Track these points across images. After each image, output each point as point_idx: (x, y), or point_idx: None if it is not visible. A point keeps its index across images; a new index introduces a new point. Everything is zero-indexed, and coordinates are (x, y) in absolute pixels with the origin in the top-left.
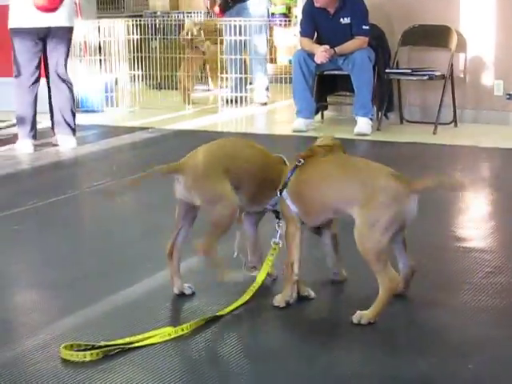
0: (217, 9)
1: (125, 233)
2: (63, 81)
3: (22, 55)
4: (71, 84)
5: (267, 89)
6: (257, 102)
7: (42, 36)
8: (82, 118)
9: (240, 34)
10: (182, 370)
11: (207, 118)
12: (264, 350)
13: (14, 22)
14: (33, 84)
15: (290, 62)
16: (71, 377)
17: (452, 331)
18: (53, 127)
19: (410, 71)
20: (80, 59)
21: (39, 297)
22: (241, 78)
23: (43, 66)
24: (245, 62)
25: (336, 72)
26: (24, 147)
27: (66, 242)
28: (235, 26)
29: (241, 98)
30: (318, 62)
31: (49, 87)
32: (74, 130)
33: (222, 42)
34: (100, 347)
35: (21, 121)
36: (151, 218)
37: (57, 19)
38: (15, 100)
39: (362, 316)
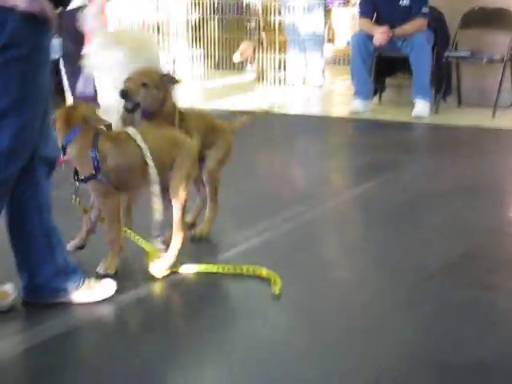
0: None
1: None
2: None
3: None
4: None
5: (323, 71)
6: (312, 84)
7: None
8: None
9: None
10: None
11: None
12: None
13: None
14: None
15: (348, 43)
16: None
17: (510, 315)
18: None
19: (468, 54)
20: None
21: None
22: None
23: None
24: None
25: (395, 54)
26: None
27: None
28: (291, 7)
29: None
30: (377, 44)
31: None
32: None
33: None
34: None
35: None
36: None
37: None
38: None
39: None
